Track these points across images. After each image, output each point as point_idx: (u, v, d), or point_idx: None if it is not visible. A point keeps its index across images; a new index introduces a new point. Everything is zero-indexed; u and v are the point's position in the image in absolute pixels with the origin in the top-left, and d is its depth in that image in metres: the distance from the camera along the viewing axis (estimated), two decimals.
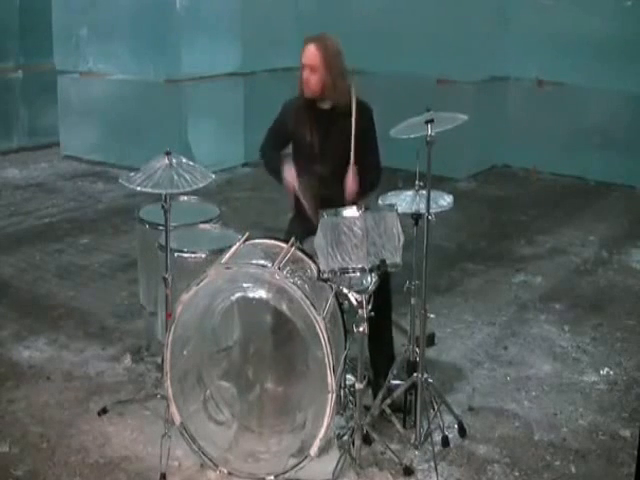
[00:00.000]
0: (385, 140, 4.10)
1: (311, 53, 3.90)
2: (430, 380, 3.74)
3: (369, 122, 4.06)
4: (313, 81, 3.92)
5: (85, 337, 4.79)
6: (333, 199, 3.75)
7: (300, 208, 4.02)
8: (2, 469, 3.52)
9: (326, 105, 4.01)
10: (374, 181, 4.08)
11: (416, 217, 3.75)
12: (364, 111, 4.02)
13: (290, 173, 3.97)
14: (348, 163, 3.90)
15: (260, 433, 3.65)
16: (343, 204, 3.59)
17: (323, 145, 3.99)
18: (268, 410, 3.69)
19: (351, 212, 3.33)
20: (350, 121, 3.89)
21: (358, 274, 3.30)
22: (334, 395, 3.25)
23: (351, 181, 3.90)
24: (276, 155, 4.13)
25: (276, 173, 4.06)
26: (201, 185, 3.57)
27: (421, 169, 3.67)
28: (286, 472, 3.38)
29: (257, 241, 3.70)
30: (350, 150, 3.89)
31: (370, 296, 3.40)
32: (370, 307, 3.40)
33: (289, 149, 4.16)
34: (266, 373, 3.69)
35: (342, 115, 3.93)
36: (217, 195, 7.30)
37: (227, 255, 3.51)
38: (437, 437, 3.72)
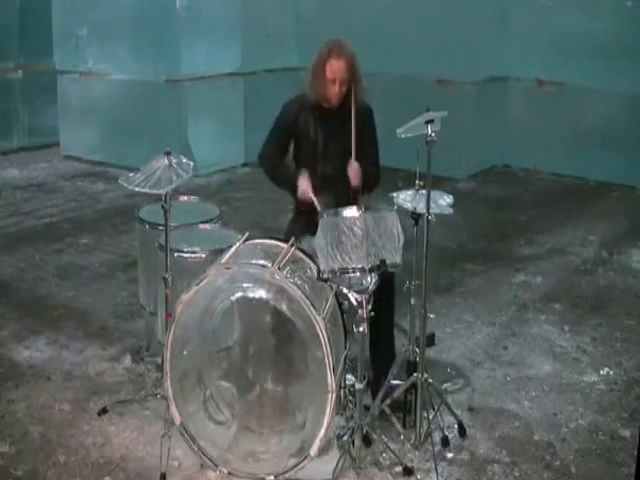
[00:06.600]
0: (385, 140, 4.11)
1: (341, 68, 3.90)
2: (430, 380, 3.74)
3: (370, 121, 4.12)
4: (341, 93, 3.94)
5: (85, 337, 4.79)
6: (336, 198, 3.78)
7: (303, 209, 4.03)
8: (2, 469, 3.52)
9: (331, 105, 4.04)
10: (374, 178, 4.10)
11: (416, 217, 3.75)
12: (365, 110, 4.07)
13: (306, 184, 3.96)
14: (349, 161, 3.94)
15: (260, 433, 3.64)
16: (347, 202, 3.59)
17: (326, 144, 4.02)
18: (268, 410, 3.68)
19: (351, 212, 3.33)
20: (352, 120, 3.93)
21: (358, 274, 3.30)
22: (334, 395, 3.25)
23: (354, 172, 3.93)
24: (282, 164, 4.15)
25: (286, 183, 4.08)
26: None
27: (421, 169, 3.67)
28: (286, 472, 3.38)
29: (257, 241, 3.70)
30: (352, 149, 3.93)
31: (370, 296, 3.40)
32: (370, 307, 3.40)
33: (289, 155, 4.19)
34: (266, 373, 3.69)
35: (345, 114, 3.96)
36: (217, 195, 7.31)
37: (227, 255, 3.51)
38: (437, 437, 3.72)
